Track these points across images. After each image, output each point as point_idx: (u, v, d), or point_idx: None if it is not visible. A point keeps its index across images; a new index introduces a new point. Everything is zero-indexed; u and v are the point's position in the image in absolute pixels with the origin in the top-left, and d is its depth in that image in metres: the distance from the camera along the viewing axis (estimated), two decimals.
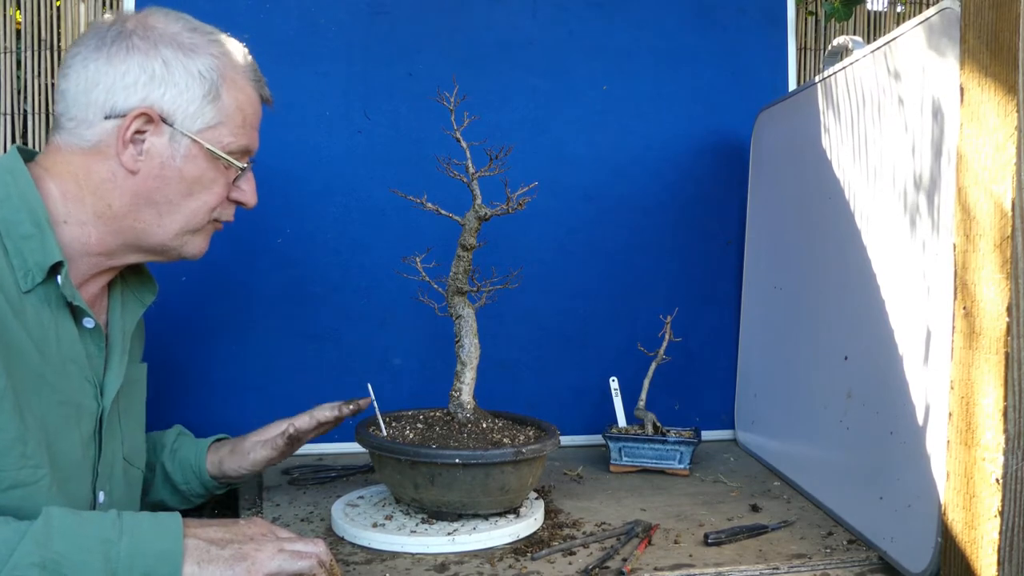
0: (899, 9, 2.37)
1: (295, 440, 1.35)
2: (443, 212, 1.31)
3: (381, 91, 1.76)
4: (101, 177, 1.08)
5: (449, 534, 1.19)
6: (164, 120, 1.08)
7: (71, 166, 1.08)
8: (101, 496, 1.13)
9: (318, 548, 0.99)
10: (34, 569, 0.86)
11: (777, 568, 1.14)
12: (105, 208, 1.08)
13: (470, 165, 1.32)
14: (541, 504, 1.32)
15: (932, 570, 1.05)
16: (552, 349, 1.81)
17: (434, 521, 1.23)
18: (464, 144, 1.32)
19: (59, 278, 1.04)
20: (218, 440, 1.40)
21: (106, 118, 1.07)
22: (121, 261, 1.14)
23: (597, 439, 1.75)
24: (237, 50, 1.15)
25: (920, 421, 1.10)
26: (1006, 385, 0.93)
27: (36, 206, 1.04)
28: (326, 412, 1.37)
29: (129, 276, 1.24)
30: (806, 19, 2.29)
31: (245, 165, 1.14)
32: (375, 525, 1.23)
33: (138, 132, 1.07)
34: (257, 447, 1.35)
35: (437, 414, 1.37)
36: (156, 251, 1.14)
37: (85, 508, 1.09)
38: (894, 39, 1.22)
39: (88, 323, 1.09)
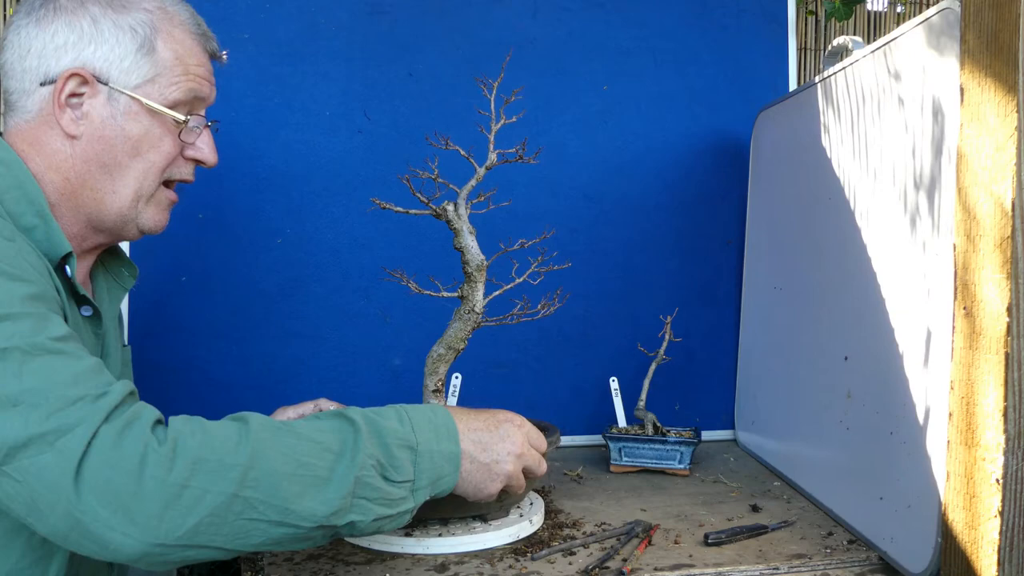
0: (899, 9, 2.37)
1: None
2: (430, 205, 1.30)
3: (381, 91, 1.76)
4: (52, 148, 1.05)
5: (449, 534, 1.19)
6: (98, 79, 1.04)
7: (27, 144, 1.05)
8: None
9: (542, 470, 1.11)
10: (373, 469, 0.92)
11: (777, 568, 1.14)
12: (64, 183, 1.05)
13: (493, 117, 1.31)
14: (541, 504, 1.32)
15: (932, 570, 1.04)
16: (552, 349, 1.81)
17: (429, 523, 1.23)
18: (493, 122, 1.31)
19: (68, 269, 1.03)
20: None
21: (41, 84, 1.04)
22: (90, 243, 1.11)
23: (597, 439, 1.75)
24: (176, 5, 1.11)
25: (920, 421, 1.10)
26: (1006, 385, 0.93)
27: (36, 196, 1.02)
28: (331, 405, 1.36)
29: (109, 261, 1.22)
30: (806, 19, 2.29)
31: (185, 117, 1.08)
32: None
33: (74, 95, 1.04)
34: None
35: None
36: (117, 227, 1.09)
37: None
38: (894, 39, 1.22)
39: (86, 311, 1.08)
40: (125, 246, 1.53)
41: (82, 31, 1.04)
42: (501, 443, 1.06)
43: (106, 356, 1.14)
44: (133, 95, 1.05)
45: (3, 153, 1.03)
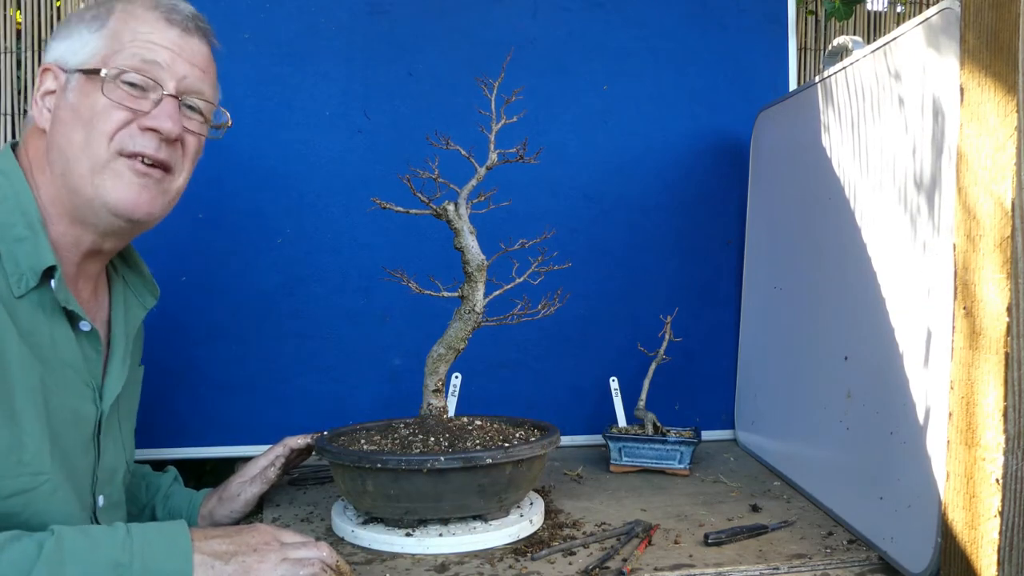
0: (899, 9, 2.37)
1: (284, 469, 1.38)
2: (432, 206, 1.30)
3: (381, 91, 1.76)
4: (35, 147, 1.08)
5: (449, 534, 1.19)
6: (62, 69, 1.07)
7: (23, 155, 1.09)
8: (100, 500, 1.13)
9: (321, 552, 0.99)
10: None
11: (777, 568, 1.14)
12: (48, 182, 1.07)
13: (493, 117, 1.31)
14: (541, 504, 1.32)
15: (932, 570, 1.04)
16: (552, 349, 1.81)
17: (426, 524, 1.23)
18: (493, 114, 1.31)
19: (52, 282, 1.02)
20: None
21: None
22: (85, 245, 1.10)
23: (597, 439, 1.75)
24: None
25: (920, 421, 1.10)
26: (1006, 385, 0.93)
27: (29, 207, 1.03)
28: (298, 441, 1.38)
29: (132, 279, 1.23)
30: (806, 19, 2.29)
31: (104, 70, 1.05)
32: (369, 523, 1.23)
33: (48, 93, 1.08)
34: (245, 487, 1.34)
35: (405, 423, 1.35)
36: (91, 214, 1.06)
37: (85, 512, 1.08)
38: (894, 39, 1.22)
39: (84, 326, 1.08)
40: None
41: (61, 36, 1.09)
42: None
43: (107, 374, 1.15)
44: (80, 68, 1.06)
45: (4, 163, 1.06)
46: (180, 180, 1.13)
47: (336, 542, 1.22)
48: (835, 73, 1.42)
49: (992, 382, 0.95)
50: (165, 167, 1.09)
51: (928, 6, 2.07)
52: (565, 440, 1.77)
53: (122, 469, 1.19)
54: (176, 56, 1.09)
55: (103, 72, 1.05)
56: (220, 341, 1.69)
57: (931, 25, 1.12)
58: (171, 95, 1.08)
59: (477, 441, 1.24)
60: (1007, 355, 0.93)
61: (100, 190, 1.05)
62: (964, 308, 1.01)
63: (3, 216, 1.01)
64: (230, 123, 1.20)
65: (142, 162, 1.06)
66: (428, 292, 1.32)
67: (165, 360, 1.65)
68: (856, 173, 1.33)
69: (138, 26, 1.08)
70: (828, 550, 1.19)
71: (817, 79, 1.49)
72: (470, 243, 1.28)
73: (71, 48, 1.07)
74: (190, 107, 1.12)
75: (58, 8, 1.95)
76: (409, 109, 1.77)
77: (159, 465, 1.44)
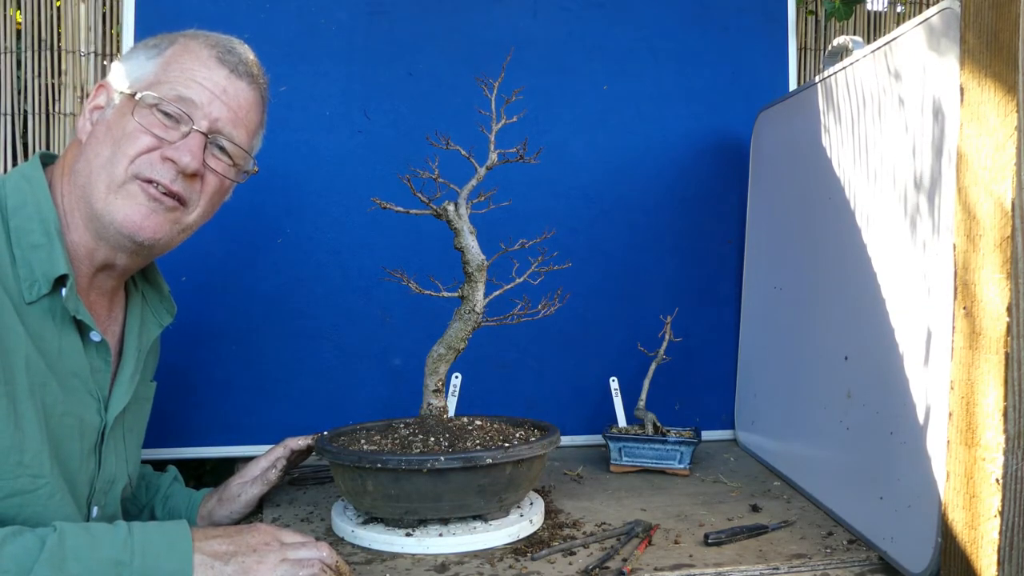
0: (899, 9, 2.37)
1: (285, 471, 1.38)
2: (432, 207, 1.30)
3: (381, 91, 1.76)
4: (71, 157, 1.10)
5: (449, 534, 1.19)
6: (114, 87, 1.10)
7: (68, 156, 1.12)
8: (95, 511, 1.13)
9: (321, 552, 0.99)
10: None
11: (777, 568, 1.14)
12: (74, 192, 1.08)
13: (493, 117, 1.31)
14: (541, 504, 1.32)
15: (932, 570, 1.04)
16: (552, 349, 1.81)
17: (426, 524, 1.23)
18: (493, 113, 1.31)
19: (63, 290, 1.03)
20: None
21: None
22: (100, 257, 1.10)
23: (597, 439, 1.75)
24: (207, 34, 1.16)
25: (920, 421, 1.10)
26: (1006, 385, 0.93)
27: (48, 215, 1.04)
28: (299, 442, 1.38)
29: (150, 295, 1.25)
30: (806, 19, 2.29)
31: (140, 94, 1.07)
32: (369, 522, 1.23)
33: (97, 108, 1.11)
34: (246, 488, 1.34)
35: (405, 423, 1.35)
36: (100, 227, 1.07)
37: (79, 520, 1.08)
38: (894, 39, 1.22)
39: (95, 336, 1.09)
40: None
41: (125, 58, 1.14)
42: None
43: (115, 387, 1.15)
44: (124, 90, 1.09)
45: (31, 170, 1.08)
46: (194, 215, 1.14)
47: (336, 542, 1.22)
48: (835, 73, 1.42)
49: (992, 382, 0.95)
50: (180, 199, 1.10)
51: (928, 6, 2.07)
52: (565, 440, 1.77)
53: (122, 482, 1.19)
54: (215, 97, 1.11)
55: (138, 96, 1.07)
56: (220, 341, 1.69)
57: (931, 25, 1.12)
58: (199, 132, 1.10)
59: (477, 441, 1.24)
60: (1007, 355, 0.93)
61: (110, 207, 1.07)
62: (964, 308, 1.01)
63: (21, 222, 1.03)
64: (256, 171, 1.22)
65: (156, 189, 1.08)
66: (428, 292, 1.32)
67: (165, 360, 1.65)
68: (856, 173, 1.33)
69: (189, 61, 1.10)
70: (828, 550, 1.19)
71: (817, 79, 1.49)
72: (470, 243, 1.28)
73: (127, 70, 1.10)
74: (220, 148, 1.13)
75: (58, 8, 1.95)
76: (409, 109, 1.77)
77: (159, 465, 1.44)
